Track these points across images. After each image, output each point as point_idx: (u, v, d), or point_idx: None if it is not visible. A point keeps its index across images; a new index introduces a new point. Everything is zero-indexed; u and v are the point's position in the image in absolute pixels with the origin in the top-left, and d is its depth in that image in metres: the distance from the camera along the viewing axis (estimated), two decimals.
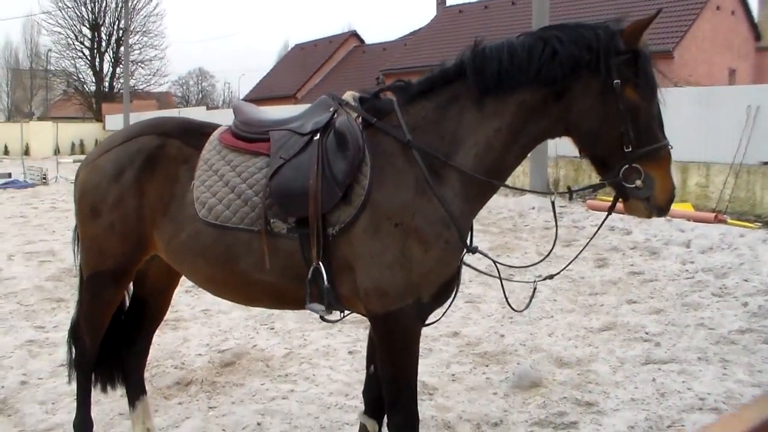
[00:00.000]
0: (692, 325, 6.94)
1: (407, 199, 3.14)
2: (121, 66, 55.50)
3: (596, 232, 3.71)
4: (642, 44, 3.03)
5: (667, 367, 5.75)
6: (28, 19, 67.98)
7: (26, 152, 38.35)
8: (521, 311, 3.90)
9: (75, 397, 4.24)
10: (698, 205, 15.89)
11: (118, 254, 3.70)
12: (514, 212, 14.77)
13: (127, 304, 4.29)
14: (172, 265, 3.71)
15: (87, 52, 58.13)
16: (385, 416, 3.51)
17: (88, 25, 57.40)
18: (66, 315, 7.19)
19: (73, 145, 46.70)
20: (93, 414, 4.24)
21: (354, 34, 57.21)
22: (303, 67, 54.40)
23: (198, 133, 3.72)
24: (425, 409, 4.88)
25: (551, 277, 3.58)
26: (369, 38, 57.01)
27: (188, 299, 7.88)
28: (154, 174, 3.59)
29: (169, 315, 5.45)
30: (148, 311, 4.26)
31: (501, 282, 3.49)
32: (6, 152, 43.47)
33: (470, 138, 3.21)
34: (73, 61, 58.39)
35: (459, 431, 4.68)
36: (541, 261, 3.76)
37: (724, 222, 13.23)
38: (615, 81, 2.98)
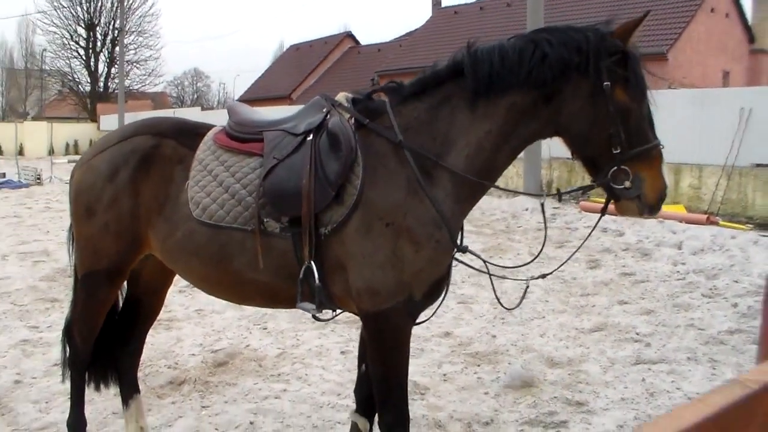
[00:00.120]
0: (682, 325, 7.00)
1: (399, 199, 3.18)
2: (116, 66, 55.45)
3: (590, 233, 3.76)
4: (631, 46, 3.06)
5: (657, 368, 5.80)
6: (23, 19, 67.75)
7: (20, 152, 38.32)
8: (512, 310, 3.94)
9: (68, 396, 4.27)
10: (690, 206, 15.98)
11: (112, 253, 3.73)
12: (507, 214, 14.83)
13: (121, 303, 4.31)
14: (167, 264, 3.74)
15: (82, 51, 58.06)
16: (377, 415, 3.55)
17: (83, 25, 57.32)
18: (60, 315, 7.21)
19: (67, 145, 46.64)
20: (86, 413, 4.26)
21: (349, 35, 57.15)
22: (298, 67, 54.35)
23: (193, 133, 3.76)
24: (417, 408, 4.92)
25: (544, 276, 3.62)
26: (364, 39, 57.16)
27: (182, 299, 7.91)
28: (149, 174, 3.62)
29: (162, 315, 5.48)
30: (142, 311, 4.29)
31: (491, 281, 3.54)
32: (0, 152, 43.37)
33: (462, 139, 3.25)
34: (68, 61, 58.38)
35: (450, 430, 4.72)
36: (532, 261, 3.79)
37: (716, 223, 13.31)
38: (605, 83, 3.01)
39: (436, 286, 3.35)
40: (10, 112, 70.28)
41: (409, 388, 3.50)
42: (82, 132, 49.18)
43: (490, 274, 3.51)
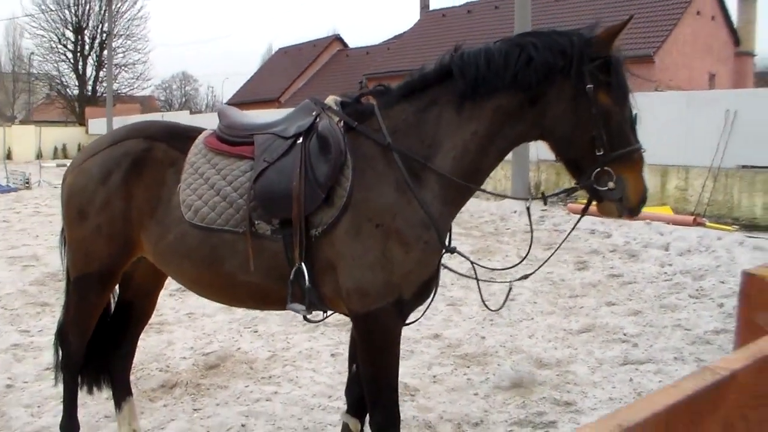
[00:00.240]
0: (669, 326, 7.07)
1: (388, 201, 3.22)
2: (104, 69, 55.24)
3: (568, 234, 3.84)
4: (615, 50, 3.12)
5: (644, 368, 5.87)
6: (11, 22, 67.30)
7: (8, 156, 38.20)
8: (496, 311, 3.98)
9: (61, 400, 4.29)
10: (677, 208, 16.10)
11: (104, 256, 3.76)
12: (495, 216, 14.91)
13: (113, 306, 4.34)
14: (159, 266, 3.78)
15: (70, 55, 57.83)
16: (367, 415, 3.59)
17: (71, 29, 57.11)
18: (51, 319, 7.22)
19: (55, 149, 46.45)
20: (79, 416, 4.29)
21: (338, 38, 57.24)
22: (287, 70, 54.39)
23: (184, 136, 3.80)
24: (407, 409, 4.96)
25: (525, 277, 3.67)
26: (353, 42, 57.08)
27: (172, 303, 7.93)
28: (141, 177, 3.66)
29: (153, 318, 5.49)
30: (134, 313, 4.32)
31: (477, 282, 3.59)
32: None
33: (449, 141, 3.30)
34: (56, 65, 58.12)
35: (440, 431, 4.77)
36: (518, 264, 3.82)
37: (703, 225, 13.42)
38: (588, 86, 3.07)
39: (425, 287, 3.39)
40: None
41: (399, 390, 3.54)
42: (71, 136, 49.01)
43: (477, 279, 3.56)
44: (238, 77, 78.56)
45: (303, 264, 3.25)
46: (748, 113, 15.72)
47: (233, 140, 3.61)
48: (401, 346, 3.53)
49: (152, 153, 3.71)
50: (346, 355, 5.91)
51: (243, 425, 4.79)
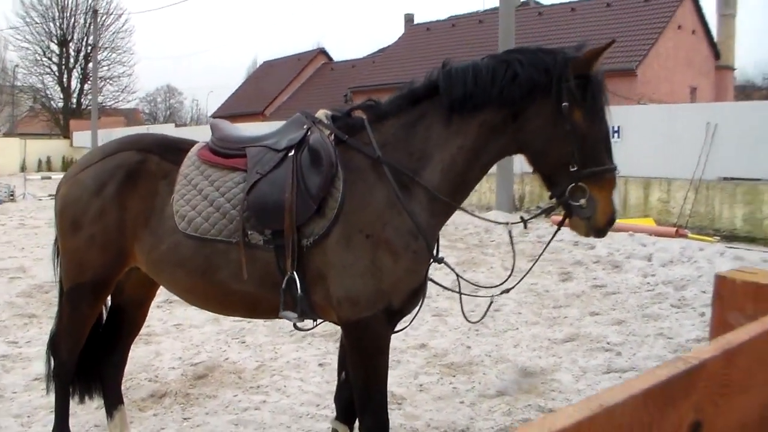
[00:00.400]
0: (652, 335, 7.19)
1: (378, 211, 3.31)
2: (89, 82, 55.17)
3: (545, 247, 3.86)
4: (595, 70, 3.22)
5: (628, 376, 5.96)
6: None
7: None
8: (475, 323, 4.05)
9: (50, 410, 4.32)
10: (660, 219, 16.27)
11: (98, 266, 3.81)
12: (480, 228, 15.02)
13: (105, 316, 4.39)
14: (152, 276, 3.84)
15: (55, 68, 57.82)
16: (357, 421, 3.66)
17: (56, 41, 57.11)
18: (38, 330, 7.25)
19: (40, 161, 46.24)
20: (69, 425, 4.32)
21: (322, 52, 57.37)
22: (271, 84, 54.42)
23: (176, 149, 3.87)
24: (394, 417, 5.02)
25: (507, 291, 3.73)
26: (337, 55, 57.36)
27: (160, 314, 7.96)
28: (135, 188, 3.73)
29: (141, 330, 5.55)
30: (126, 323, 4.37)
31: (460, 295, 3.67)
32: None
33: (437, 155, 3.39)
34: (40, 77, 58.05)
35: None
36: (504, 282, 3.82)
37: (685, 236, 13.60)
38: (564, 103, 3.17)
39: (414, 295, 3.48)
40: None
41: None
42: (55, 148, 48.84)
43: (460, 293, 3.65)
44: (223, 90, 78.53)
45: (295, 273, 3.33)
46: (729, 126, 15.96)
47: (226, 153, 3.69)
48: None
49: (146, 165, 3.78)
50: (334, 365, 6.00)
51: None
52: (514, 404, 5.39)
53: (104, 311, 4.36)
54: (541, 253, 3.98)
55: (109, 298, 4.26)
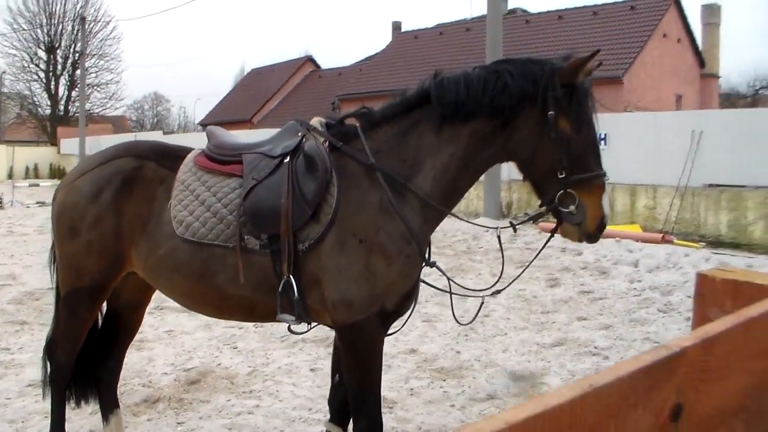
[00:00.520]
0: (639, 339, 7.30)
1: (371, 217, 3.40)
2: (76, 89, 55.10)
3: (538, 253, 4.01)
4: (580, 80, 3.31)
5: None
6: None
7: None
8: (467, 324, 4.14)
9: (44, 415, 4.36)
10: (646, 226, 16.44)
11: (95, 271, 3.87)
12: (468, 235, 15.13)
13: (101, 321, 4.45)
14: (149, 281, 3.90)
15: (42, 75, 57.61)
16: (351, 422, 3.74)
17: (43, 48, 56.94)
18: (30, 337, 7.28)
19: (27, 169, 46.11)
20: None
21: (310, 59, 57.46)
22: (259, 91, 54.45)
23: (172, 155, 3.94)
24: (386, 421, 5.06)
25: (498, 292, 3.81)
26: (325, 63, 57.34)
27: (151, 320, 8.00)
28: (132, 194, 3.79)
29: (136, 334, 5.60)
30: (122, 327, 4.43)
31: (451, 297, 3.76)
32: None
33: (428, 162, 3.48)
34: (28, 84, 57.83)
35: None
36: (493, 286, 3.90)
37: (671, 242, 13.75)
38: (549, 112, 3.27)
39: (407, 298, 3.57)
40: None
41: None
42: (42, 155, 48.70)
43: (451, 293, 3.73)
44: (211, 98, 78.65)
45: (291, 277, 3.40)
46: (714, 133, 16.16)
47: (222, 159, 3.77)
48: None
49: (142, 171, 3.85)
50: (325, 370, 6.08)
51: None
52: (504, 407, 5.46)
53: (99, 316, 4.41)
54: (535, 256, 4.09)
55: (104, 303, 4.32)
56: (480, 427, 0.76)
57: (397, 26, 49.45)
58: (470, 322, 4.10)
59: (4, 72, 59.24)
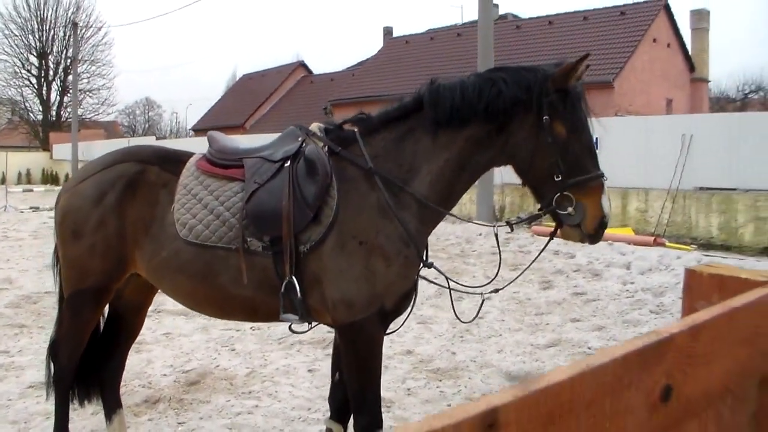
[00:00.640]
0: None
1: (370, 219, 3.49)
2: (68, 95, 55.02)
3: (539, 253, 4.11)
4: (572, 84, 3.41)
5: None
6: None
7: None
8: (469, 322, 4.24)
9: (46, 416, 4.42)
10: (638, 229, 16.59)
11: (99, 273, 3.95)
12: (461, 238, 15.25)
13: (103, 322, 4.52)
14: (153, 282, 3.98)
15: (34, 80, 57.58)
16: (351, 419, 3.83)
17: (35, 54, 56.89)
18: (29, 340, 7.35)
19: (19, 174, 46.08)
20: None
21: (302, 65, 57.57)
22: (251, 96, 54.52)
23: (174, 160, 4.03)
24: (384, 419, 5.14)
25: (497, 290, 3.93)
26: (317, 69, 57.55)
27: (149, 323, 8.04)
28: (135, 197, 3.88)
29: (138, 335, 5.68)
30: (124, 328, 4.51)
31: (450, 295, 3.86)
32: None
33: (425, 167, 3.58)
34: (19, 90, 57.73)
35: None
36: (489, 283, 4.04)
37: (663, 245, 13.88)
38: (544, 117, 3.37)
39: (405, 298, 3.67)
40: None
41: None
42: (34, 160, 48.68)
43: (450, 288, 3.84)
44: (203, 103, 78.42)
45: (293, 278, 3.49)
46: (704, 137, 16.33)
47: (224, 163, 3.86)
48: None
49: (145, 175, 3.93)
50: (323, 371, 6.17)
51: None
52: None
53: (101, 318, 4.49)
54: (537, 257, 4.17)
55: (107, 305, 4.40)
56: (490, 399, 0.85)
57: (388, 31, 49.62)
58: (472, 320, 4.20)
59: None
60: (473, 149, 3.53)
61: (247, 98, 54.69)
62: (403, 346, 7.16)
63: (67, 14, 56.29)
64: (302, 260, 3.52)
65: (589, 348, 7.10)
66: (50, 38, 56.81)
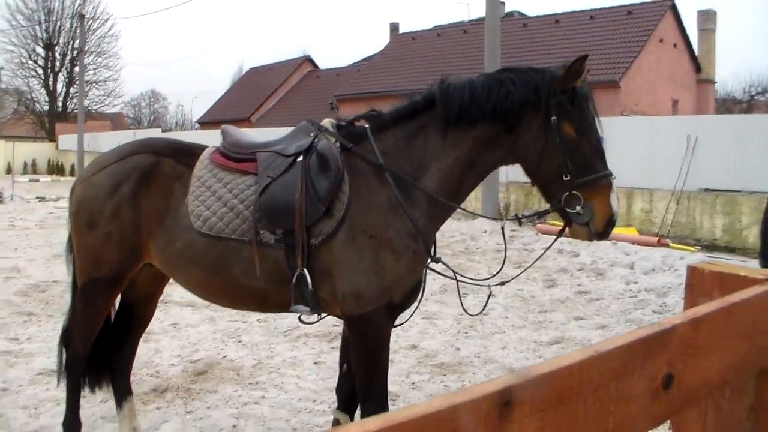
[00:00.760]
0: None
1: (381, 214, 3.57)
2: (75, 86, 55.22)
3: (545, 250, 4.19)
4: (579, 85, 3.48)
5: None
6: None
7: None
8: (476, 315, 4.33)
9: (56, 402, 4.50)
10: (642, 229, 16.62)
11: (113, 261, 4.03)
12: (466, 236, 15.32)
13: (114, 311, 4.61)
14: (166, 272, 4.07)
15: (41, 71, 57.77)
16: (359, 408, 3.91)
17: (42, 45, 57.09)
18: (38, 328, 7.45)
19: (25, 164, 46.25)
20: None
21: (308, 59, 57.53)
22: (257, 90, 54.52)
23: (188, 153, 4.11)
24: (389, 411, 5.26)
25: (503, 283, 4.03)
26: (323, 63, 57.45)
27: (157, 313, 8.01)
28: (150, 188, 3.96)
29: (149, 324, 5.77)
30: (135, 317, 4.59)
31: (458, 288, 3.94)
32: None
33: (434, 164, 3.65)
34: (26, 80, 57.97)
35: None
36: (495, 275, 4.17)
37: (666, 245, 13.94)
38: (552, 118, 3.44)
39: (413, 292, 3.76)
40: None
41: None
42: (41, 151, 48.84)
43: (458, 280, 3.93)
44: (208, 96, 78.61)
45: (305, 270, 3.57)
46: (709, 138, 16.36)
47: (237, 157, 3.94)
48: None
49: (160, 167, 4.01)
50: (329, 363, 6.26)
51: (234, 426, 5.06)
52: None
53: (113, 307, 4.57)
54: (545, 251, 4.24)
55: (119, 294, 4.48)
56: (506, 379, 0.92)
57: (394, 27, 49.54)
58: (479, 313, 4.29)
59: (2, 68, 59.36)
60: (482, 149, 3.61)
61: (253, 92, 54.69)
62: (408, 340, 7.25)
63: (73, 6, 56.58)
64: (314, 253, 3.59)
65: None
66: (57, 29, 57.06)
